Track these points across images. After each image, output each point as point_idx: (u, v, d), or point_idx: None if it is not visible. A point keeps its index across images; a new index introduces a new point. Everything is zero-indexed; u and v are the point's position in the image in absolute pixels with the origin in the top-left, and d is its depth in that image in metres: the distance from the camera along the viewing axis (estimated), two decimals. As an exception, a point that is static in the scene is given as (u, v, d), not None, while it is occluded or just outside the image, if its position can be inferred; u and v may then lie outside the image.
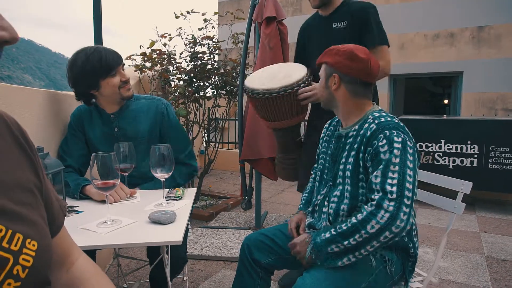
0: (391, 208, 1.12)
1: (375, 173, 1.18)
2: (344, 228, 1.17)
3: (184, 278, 2.32)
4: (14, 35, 0.56)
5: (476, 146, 3.77)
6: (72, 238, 0.80)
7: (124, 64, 1.66)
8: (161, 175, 1.40)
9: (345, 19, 1.99)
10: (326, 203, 1.40)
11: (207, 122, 4.32)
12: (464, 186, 1.49)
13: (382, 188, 1.15)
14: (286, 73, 2.04)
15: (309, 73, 2.00)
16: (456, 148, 3.86)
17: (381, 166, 1.17)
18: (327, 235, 1.21)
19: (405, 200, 1.13)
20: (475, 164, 3.79)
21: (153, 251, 1.64)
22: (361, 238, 1.14)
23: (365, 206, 1.17)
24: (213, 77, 3.89)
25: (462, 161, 3.84)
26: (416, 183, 1.20)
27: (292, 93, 1.94)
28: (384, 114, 1.32)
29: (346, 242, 1.16)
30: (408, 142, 1.20)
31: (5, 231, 0.55)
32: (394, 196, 1.13)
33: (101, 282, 0.79)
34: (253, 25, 3.26)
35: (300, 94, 1.93)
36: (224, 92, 4.06)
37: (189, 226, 2.00)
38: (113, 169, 1.18)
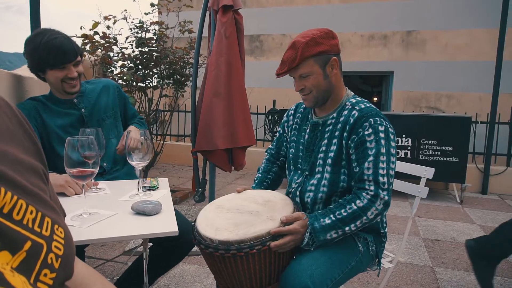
0: (386, 198, 1.20)
1: (366, 165, 1.21)
2: (344, 214, 1.18)
3: (142, 276, 2.19)
4: None
5: (410, 139, 4.15)
6: None
7: (80, 60, 1.63)
8: (138, 163, 1.29)
9: None
10: (298, 193, 1.40)
11: (152, 113, 4.11)
12: (427, 172, 1.62)
13: (375, 179, 1.20)
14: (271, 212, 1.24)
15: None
16: (393, 141, 4.20)
17: (371, 158, 1.21)
18: (327, 220, 1.18)
19: (391, 186, 1.24)
20: (408, 156, 4.16)
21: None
22: (361, 223, 1.20)
23: (364, 194, 1.20)
24: (160, 66, 3.71)
25: (398, 153, 4.19)
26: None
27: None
28: (360, 99, 1.35)
29: (347, 228, 1.18)
30: (390, 129, 1.26)
31: (36, 213, 0.47)
32: (386, 186, 1.21)
33: (109, 287, 0.72)
34: (207, 13, 3.16)
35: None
36: (171, 81, 3.90)
37: None
38: (94, 154, 1.06)
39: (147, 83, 3.74)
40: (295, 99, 6.33)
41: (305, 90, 1.33)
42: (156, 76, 3.81)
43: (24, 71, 2.15)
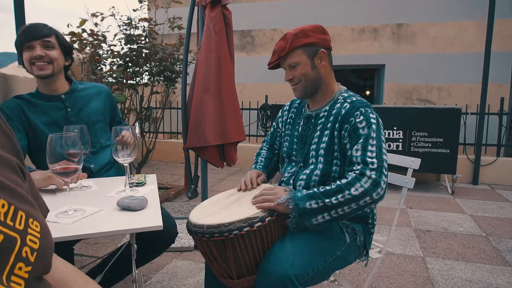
0: (373, 176, 1.18)
1: (355, 147, 1.24)
2: (328, 188, 1.20)
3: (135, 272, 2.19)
4: None
5: (401, 132, 4.17)
6: None
7: (50, 41, 1.57)
8: (124, 160, 1.29)
9: None
10: (291, 181, 1.43)
11: (143, 110, 4.09)
12: (413, 162, 1.64)
13: (362, 160, 1.21)
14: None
15: None
16: (385, 133, 4.22)
17: (361, 140, 1.23)
18: (309, 191, 1.22)
19: (384, 170, 1.21)
20: (400, 148, 4.19)
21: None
22: (343, 198, 1.17)
23: (350, 173, 1.22)
24: (150, 62, 3.68)
25: (389, 146, 4.21)
26: None
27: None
28: (352, 93, 1.40)
29: (327, 200, 1.18)
30: (380, 120, 1.30)
31: (8, 206, 0.48)
32: (375, 166, 1.20)
33: (91, 284, 0.72)
34: (196, 8, 3.15)
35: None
36: (162, 78, 3.88)
37: None
38: (78, 152, 1.05)
39: (137, 80, 3.71)
40: (287, 94, 6.32)
41: (294, 80, 1.38)
42: (147, 73, 3.79)
43: (9, 69, 2.13)
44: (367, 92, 9.91)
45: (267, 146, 1.70)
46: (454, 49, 5.80)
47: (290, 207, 1.20)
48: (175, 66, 3.87)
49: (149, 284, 2.15)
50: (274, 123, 1.68)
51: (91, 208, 1.13)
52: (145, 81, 3.83)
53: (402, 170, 1.70)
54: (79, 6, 3.62)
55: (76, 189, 1.37)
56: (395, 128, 4.18)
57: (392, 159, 1.74)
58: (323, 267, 1.23)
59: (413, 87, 6.00)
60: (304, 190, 1.23)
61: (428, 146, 4.12)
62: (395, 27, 5.98)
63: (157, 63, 3.71)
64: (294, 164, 1.47)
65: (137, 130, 5.62)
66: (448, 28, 5.79)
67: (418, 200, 3.94)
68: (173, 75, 3.91)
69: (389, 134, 4.21)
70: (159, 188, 4.14)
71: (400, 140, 4.19)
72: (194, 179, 3.25)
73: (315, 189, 1.22)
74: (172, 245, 2.59)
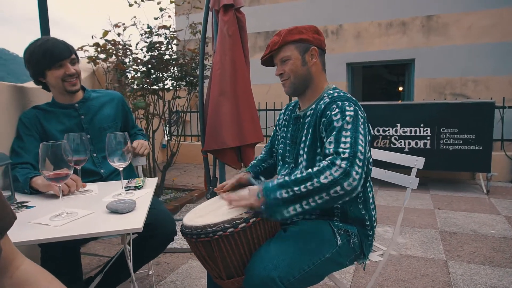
0: (343, 165, 1.12)
1: (329, 139, 1.21)
2: (298, 176, 1.15)
3: (150, 272, 2.27)
4: None
5: (428, 129, 3.99)
6: (21, 235, 0.77)
7: (75, 58, 1.73)
8: (119, 165, 1.35)
9: None
10: None
11: (167, 115, 4.22)
12: (418, 162, 1.57)
13: (335, 151, 1.17)
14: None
15: None
16: (411, 131, 4.05)
17: (334, 132, 1.21)
18: (280, 180, 1.18)
19: (357, 161, 1.14)
20: (428, 146, 4.00)
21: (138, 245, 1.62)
22: (312, 186, 1.11)
23: (322, 162, 1.17)
24: (172, 68, 3.80)
25: (416, 143, 4.04)
26: (368, 151, 1.25)
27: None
28: (337, 90, 1.38)
29: (296, 188, 1.12)
30: (359, 113, 1.25)
31: None
32: (347, 155, 1.14)
33: (54, 283, 0.76)
34: (210, 13, 3.20)
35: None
36: (184, 83, 3.98)
37: None
38: (64, 159, 1.12)
39: (160, 86, 3.84)
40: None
41: (284, 75, 1.40)
42: (170, 78, 3.92)
43: (29, 84, 2.29)
44: (400, 88, 9.55)
45: (266, 149, 1.75)
46: (492, 39, 5.44)
47: (260, 197, 1.16)
48: (195, 71, 3.96)
49: (163, 284, 2.21)
50: (274, 128, 1.70)
51: (83, 211, 1.19)
52: (168, 86, 3.96)
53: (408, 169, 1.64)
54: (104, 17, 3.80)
55: (78, 193, 1.45)
56: (422, 125, 4.01)
57: (396, 158, 1.68)
58: (310, 269, 1.20)
59: (446, 81, 5.70)
60: (276, 180, 1.19)
61: (458, 143, 3.91)
62: (425, 19, 5.72)
63: (178, 68, 3.82)
64: (287, 166, 1.48)
65: (165, 137, 5.80)
66: (485, 17, 5.44)
67: (448, 201, 3.74)
68: (194, 80, 4.00)
69: (415, 131, 4.04)
70: (183, 190, 4.25)
71: (428, 138, 4.00)
72: (213, 181, 3.30)
73: (287, 178, 1.17)
74: (189, 246, 2.67)
